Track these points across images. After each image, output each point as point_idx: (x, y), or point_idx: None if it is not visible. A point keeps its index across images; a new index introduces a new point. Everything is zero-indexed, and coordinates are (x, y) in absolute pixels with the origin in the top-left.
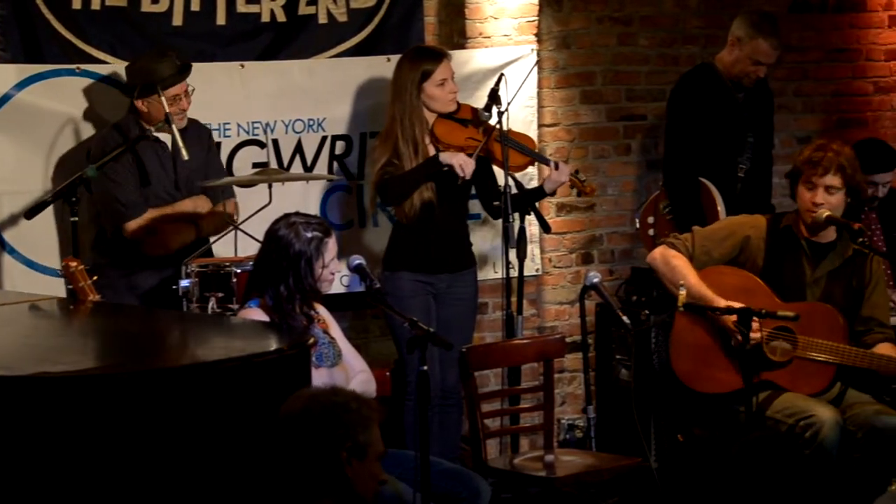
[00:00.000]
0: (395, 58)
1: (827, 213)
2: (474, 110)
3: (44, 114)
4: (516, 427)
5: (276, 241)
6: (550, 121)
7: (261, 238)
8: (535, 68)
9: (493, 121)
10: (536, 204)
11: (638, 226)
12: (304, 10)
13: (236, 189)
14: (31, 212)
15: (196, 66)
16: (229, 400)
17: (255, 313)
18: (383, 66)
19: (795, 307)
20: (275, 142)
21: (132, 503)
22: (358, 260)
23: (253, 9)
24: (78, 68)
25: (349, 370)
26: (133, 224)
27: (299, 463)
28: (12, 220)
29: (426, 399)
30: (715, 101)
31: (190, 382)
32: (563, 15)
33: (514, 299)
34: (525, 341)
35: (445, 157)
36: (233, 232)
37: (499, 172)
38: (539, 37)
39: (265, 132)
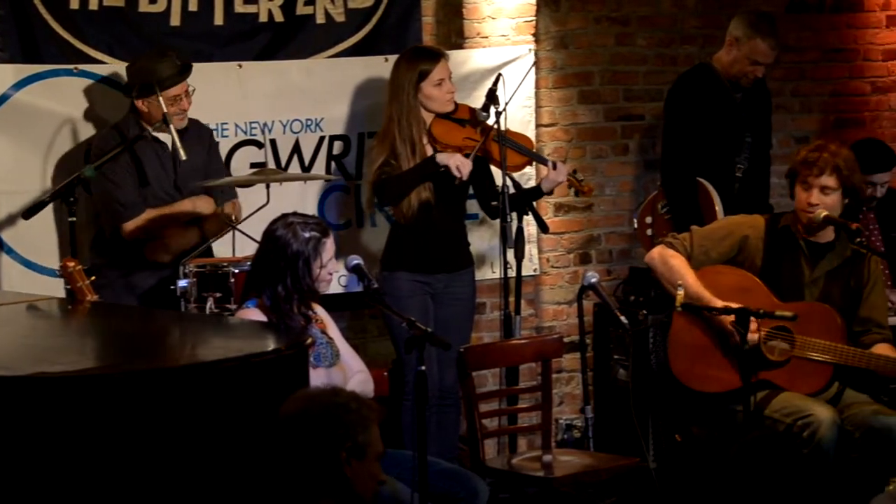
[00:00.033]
0: (393, 58)
1: (824, 213)
2: (472, 110)
3: (42, 114)
4: (514, 427)
5: (273, 242)
6: (548, 121)
7: (258, 238)
8: (533, 68)
9: (490, 121)
10: (534, 204)
11: (636, 226)
12: (301, 10)
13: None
14: (29, 212)
15: (194, 66)
16: (227, 400)
17: (253, 313)
18: (381, 66)
19: (793, 307)
20: (272, 142)
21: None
22: (356, 260)
23: (251, 9)
24: (76, 68)
25: (347, 370)
26: (131, 224)
27: (299, 463)
28: (10, 221)
29: (424, 399)
30: (713, 101)
31: (188, 382)
32: (561, 15)
33: (511, 299)
34: (523, 341)
35: (442, 158)
36: (231, 232)
37: (496, 172)
38: (537, 37)
39: (263, 132)
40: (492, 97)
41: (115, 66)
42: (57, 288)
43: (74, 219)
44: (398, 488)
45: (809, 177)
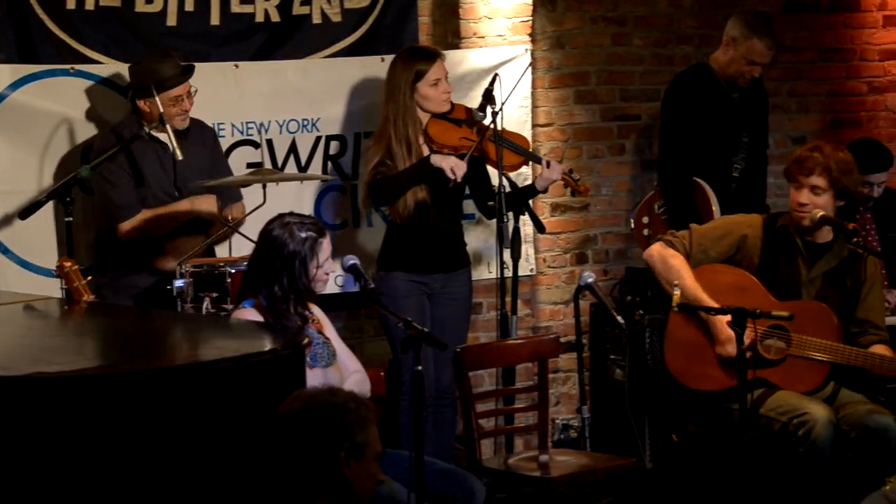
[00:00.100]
0: (389, 58)
1: (821, 213)
2: (468, 110)
3: (38, 114)
4: (511, 427)
5: (270, 242)
6: (544, 121)
7: (255, 238)
8: (530, 68)
9: (487, 121)
10: (531, 203)
11: (633, 226)
12: (298, 10)
13: None
14: (26, 212)
15: None
16: (224, 400)
17: (250, 313)
18: (377, 66)
19: (790, 306)
20: (269, 142)
21: (128, 503)
22: (352, 260)
23: (247, 9)
24: (72, 68)
25: (344, 370)
26: (126, 225)
27: (297, 463)
28: (7, 221)
29: (421, 399)
30: (710, 101)
31: (185, 383)
32: (557, 15)
33: (508, 299)
34: (519, 341)
35: (436, 160)
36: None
37: (493, 172)
38: (533, 37)
39: (259, 132)
40: (488, 97)
41: (112, 67)
42: (54, 288)
43: (71, 219)
44: (395, 488)
45: (800, 176)
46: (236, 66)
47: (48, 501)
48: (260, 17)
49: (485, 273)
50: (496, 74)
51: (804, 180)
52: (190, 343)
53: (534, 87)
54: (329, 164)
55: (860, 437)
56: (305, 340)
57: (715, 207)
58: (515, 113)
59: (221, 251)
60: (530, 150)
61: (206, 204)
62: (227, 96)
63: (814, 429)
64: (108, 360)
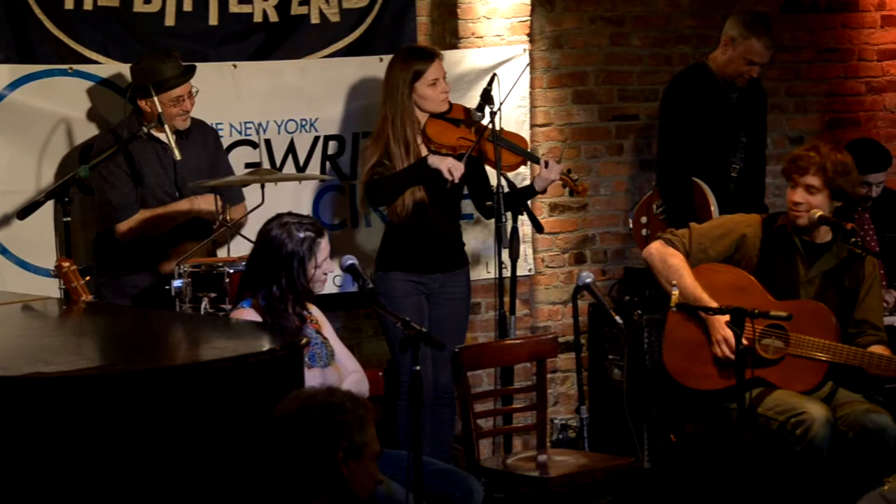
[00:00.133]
0: (388, 58)
1: (819, 213)
2: (466, 110)
3: (36, 114)
4: (509, 427)
5: (268, 242)
6: (543, 121)
7: (253, 238)
8: (528, 68)
9: (485, 121)
10: (529, 204)
11: (631, 226)
12: (296, 10)
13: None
14: (24, 212)
15: None
16: (222, 400)
17: (248, 314)
18: (376, 66)
19: (788, 305)
20: (267, 142)
21: (127, 503)
22: (350, 260)
23: (245, 9)
24: (70, 68)
25: (342, 370)
26: (124, 225)
27: (295, 463)
28: (5, 221)
29: (419, 399)
30: (708, 100)
31: (183, 383)
32: (556, 15)
33: (506, 299)
34: (518, 341)
35: (434, 161)
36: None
37: (491, 172)
38: (531, 37)
39: (257, 132)
40: (486, 97)
41: (110, 67)
42: (52, 288)
43: (69, 219)
44: (393, 488)
45: (795, 175)
46: (234, 67)
47: (47, 502)
48: (258, 18)
49: (483, 273)
50: (494, 74)
51: (799, 179)
52: (188, 343)
53: (532, 87)
54: (327, 164)
55: (858, 437)
56: (304, 340)
57: (713, 207)
58: (514, 113)
59: (220, 251)
60: (529, 150)
61: (206, 204)
62: (226, 96)
63: (811, 428)
64: (107, 360)
